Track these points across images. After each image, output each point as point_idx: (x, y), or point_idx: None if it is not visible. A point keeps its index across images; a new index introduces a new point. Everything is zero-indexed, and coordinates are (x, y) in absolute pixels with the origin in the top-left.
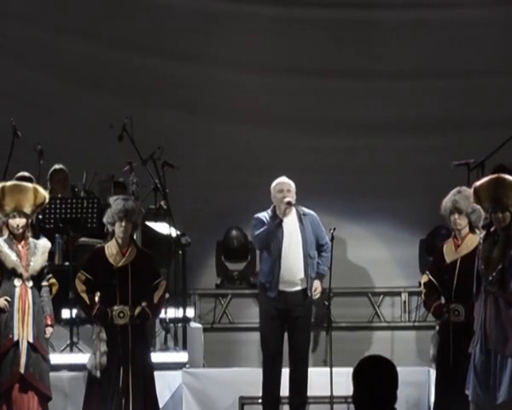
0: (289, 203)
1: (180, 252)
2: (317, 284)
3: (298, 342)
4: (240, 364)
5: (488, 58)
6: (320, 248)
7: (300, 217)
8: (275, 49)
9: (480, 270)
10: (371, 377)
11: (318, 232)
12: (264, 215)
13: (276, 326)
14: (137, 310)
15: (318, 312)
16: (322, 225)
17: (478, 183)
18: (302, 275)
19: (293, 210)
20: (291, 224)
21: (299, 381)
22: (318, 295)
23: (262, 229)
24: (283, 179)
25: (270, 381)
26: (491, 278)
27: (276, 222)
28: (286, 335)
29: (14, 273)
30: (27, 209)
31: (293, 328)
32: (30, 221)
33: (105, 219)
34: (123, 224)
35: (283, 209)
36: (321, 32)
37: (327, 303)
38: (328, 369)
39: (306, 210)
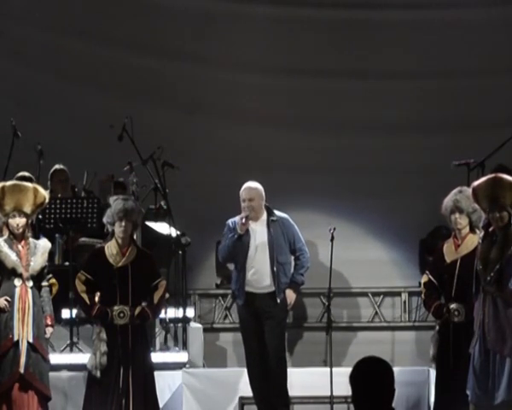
0: (245, 218)
1: (180, 252)
2: (288, 292)
3: (269, 343)
4: (240, 364)
5: (488, 58)
6: (293, 253)
7: (269, 222)
8: (275, 49)
9: (478, 270)
10: (368, 379)
11: (290, 236)
12: (234, 221)
13: (251, 330)
14: (137, 310)
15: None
16: (296, 228)
17: (476, 183)
18: (269, 281)
19: (263, 215)
20: (258, 230)
21: (274, 382)
22: (290, 306)
23: (223, 243)
24: (248, 185)
25: (257, 383)
26: (489, 278)
27: (234, 238)
28: None
29: (14, 273)
30: (27, 209)
31: (264, 330)
32: (30, 221)
33: (105, 219)
34: (123, 224)
35: (240, 224)
36: (321, 32)
37: (327, 303)
38: (328, 369)
39: (278, 214)
